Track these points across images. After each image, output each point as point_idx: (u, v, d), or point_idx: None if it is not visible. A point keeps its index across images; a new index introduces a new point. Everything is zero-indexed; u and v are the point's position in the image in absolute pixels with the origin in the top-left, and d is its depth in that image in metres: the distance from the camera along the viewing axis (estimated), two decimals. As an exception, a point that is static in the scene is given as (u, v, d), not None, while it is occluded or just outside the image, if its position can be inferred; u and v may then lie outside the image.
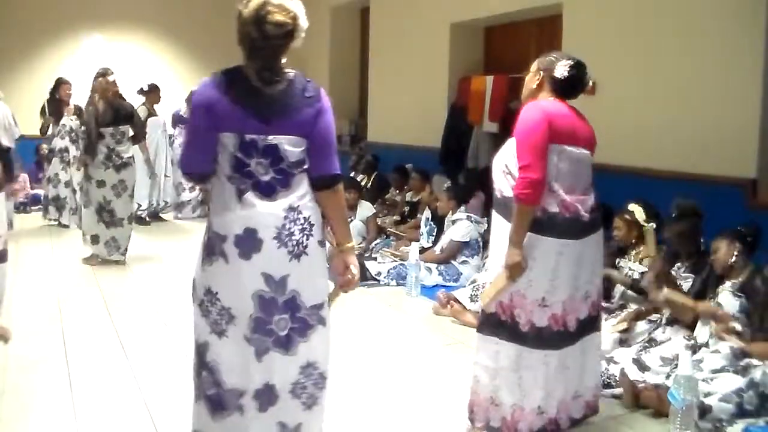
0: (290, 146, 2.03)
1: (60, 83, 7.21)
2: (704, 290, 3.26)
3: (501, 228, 2.53)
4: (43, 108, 7.27)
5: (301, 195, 2.07)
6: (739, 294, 3.07)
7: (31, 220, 7.54)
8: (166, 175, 7.78)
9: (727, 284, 3.15)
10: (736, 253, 3.11)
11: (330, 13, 9.47)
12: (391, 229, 6.28)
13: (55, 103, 7.18)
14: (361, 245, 5.77)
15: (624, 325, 3.46)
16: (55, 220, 7.23)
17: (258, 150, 2.00)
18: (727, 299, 3.08)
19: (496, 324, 2.55)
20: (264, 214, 2.01)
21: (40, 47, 9.11)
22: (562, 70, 2.51)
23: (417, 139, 7.36)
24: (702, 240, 3.51)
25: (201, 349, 2.12)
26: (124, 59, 8.79)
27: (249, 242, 2.00)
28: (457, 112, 6.73)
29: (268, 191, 2.02)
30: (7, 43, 8.84)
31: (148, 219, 7.44)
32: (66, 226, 7.14)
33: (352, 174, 7.59)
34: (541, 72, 2.57)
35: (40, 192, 8.34)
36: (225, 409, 2.10)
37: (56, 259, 5.80)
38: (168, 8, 9.62)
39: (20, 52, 8.97)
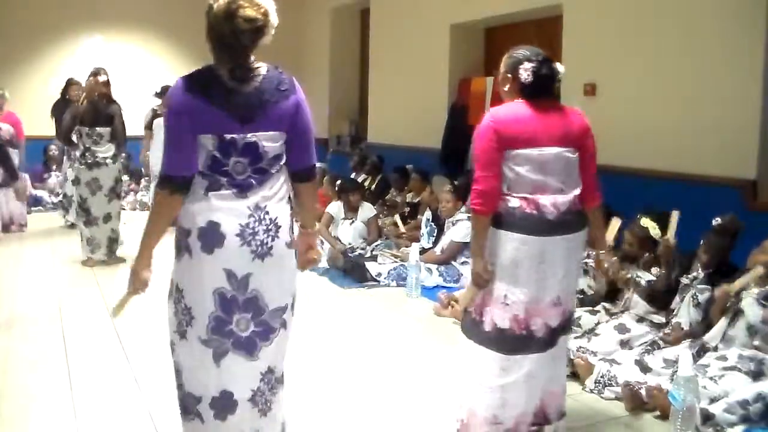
0: (269, 142, 2.01)
1: (70, 84, 7.23)
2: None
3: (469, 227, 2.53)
4: (53, 109, 7.27)
5: (271, 195, 2.03)
6: (764, 302, 3.00)
7: (32, 220, 7.53)
8: None
9: (754, 291, 3.05)
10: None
11: (330, 14, 9.48)
12: (391, 223, 6.30)
13: (65, 103, 7.19)
14: (361, 246, 5.78)
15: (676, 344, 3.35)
16: (68, 219, 7.24)
17: (237, 149, 1.98)
18: (751, 307, 3.02)
19: (469, 323, 2.52)
20: (228, 209, 1.98)
21: (41, 48, 9.13)
22: (525, 75, 2.44)
23: (417, 139, 7.37)
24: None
25: (171, 349, 2.12)
26: (125, 60, 8.81)
27: (211, 236, 1.97)
28: (457, 113, 6.74)
29: (240, 189, 1.99)
30: (8, 44, 8.85)
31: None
32: (74, 225, 7.15)
33: (353, 175, 7.58)
34: (508, 75, 2.51)
35: (42, 192, 8.36)
36: (186, 413, 2.10)
37: (57, 259, 5.80)
38: (168, 9, 9.62)
39: (21, 53, 8.99)
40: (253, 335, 2.03)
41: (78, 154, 5.54)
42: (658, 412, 2.86)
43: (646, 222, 3.62)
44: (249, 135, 1.98)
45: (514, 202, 2.40)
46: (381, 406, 2.98)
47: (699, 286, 3.37)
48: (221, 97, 1.96)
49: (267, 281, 2.03)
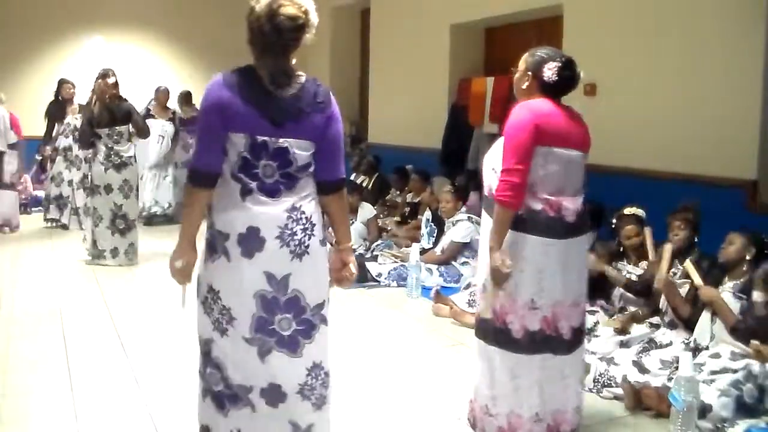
0: (299, 150, 2.04)
1: (62, 83, 7.25)
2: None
3: (489, 227, 2.50)
4: (47, 110, 7.28)
5: (303, 196, 2.08)
6: (741, 295, 3.06)
7: (33, 220, 7.54)
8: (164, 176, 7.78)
9: (729, 284, 3.15)
10: (748, 257, 3.11)
11: (331, 14, 9.48)
12: (391, 225, 6.30)
13: (59, 104, 7.20)
14: (362, 246, 5.78)
15: (617, 324, 3.47)
16: (55, 220, 7.22)
17: (268, 152, 2.01)
18: (728, 299, 3.07)
19: (492, 331, 2.52)
20: (267, 213, 2.01)
21: (42, 49, 9.13)
22: (549, 73, 2.44)
23: (417, 140, 7.37)
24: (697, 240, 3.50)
25: (205, 347, 2.13)
26: (125, 60, 8.79)
27: (251, 241, 2.01)
28: (457, 113, 6.73)
29: (270, 193, 2.03)
30: (9, 45, 8.85)
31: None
32: (66, 227, 7.13)
33: (353, 175, 7.59)
34: (529, 73, 2.51)
35: (42, 193, 8.35)
36: (236, 402, 2.10)
37: (57, 259, 5.80)
38: (169, 10, 9.62)
39: (21, 54, 8.99)
40: (296, 333, 2.07)
41: (102, 157, 5.50)
42: (656, 413, 2.87)
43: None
44: (281, 139, 2.00)
45: (537, 204, 2.40)
46: (381, 406, 2.98)
47: (679, 281, 3.41)
48: (258, 98, 1.99)
49: (306, 280, 2.07)
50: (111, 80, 5.53)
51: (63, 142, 7.15)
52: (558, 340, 2.47)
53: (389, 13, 8.16)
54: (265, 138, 2.00)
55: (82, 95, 6.89)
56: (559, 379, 2.50)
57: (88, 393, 3.05)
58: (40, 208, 8.14)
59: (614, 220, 3.88)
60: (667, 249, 3.39)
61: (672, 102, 4.56)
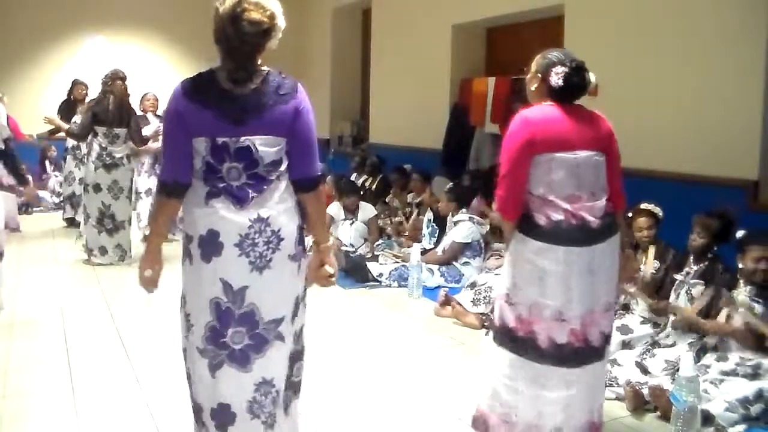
0: (264, 146, 1.96)
1: (75, 84, 7.28)
2: (712, 301, 3.22)
3: (522, 243, 2.44)
4: (59, 109, 7.29)
5: (273, 205, 1.99)
6: (757, 299, 3.01)
7: (34, 220, 7.54)
8: None
9: (745, 289, 3.07)
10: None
11: (332, 14, 9.48)
12: (396, 223, 6.31)
13: (70, 104, 7.22)
14: (363, 246, 5.77)
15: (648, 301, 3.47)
16: (70, 218, 7.24)
17: (230, 153, 1.95)
18: (745, 302, 3.02)
19: (515, 340, 2.46)
20: (228, 218, 1.95)
21: (43, 49, 9.12)
22: (556, 78, 2.40)
23: (418, 140, 7.37)
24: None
25: (184, 357, 2.13)
26: (126, 61, 8.77)
27: (210, 244, 1.96)
28: (458, 114, 6.73)
29: (239, 198, 1.96)
30: (10, 45, 8.86)
31: None
32: (73, 220, 7.17)
33: (354, 176, 7.58)
34: (539, 75, 2.48)
35: (44, 193, 8.35)
36: (195, 421, 2.10)
37: (58, 259, 5.81)
38: (170, 10, 9.62)
39: (23, 54, 8.99)
40: (246, 348, 2.01)
41: (94, 155, 5.54)
42: (659, 413, 2.86)
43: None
44: (242, 138, 1.94)
45: (557, 214, 2.36)
46: (382, 406, 2.98)
47: (691, 281, 3.38)
48: (216, 99, 1.95)
49: (264, 294, 2.00)
50: (127, 82, 5.62)
51: (72, 141, 7.16)
52: (588, 351, 2.41)
53: (390, 14, 8.16)
54: (225, 139, 1.94)
55: (93, 96, 6.91)
56: (585, 389, 2.44)
57: (89, 393, 3.05)
58: (42, 208, 8.16)
59: (629, 214, 3.85)
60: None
61: (673, 102, 4.55)
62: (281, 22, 1.97)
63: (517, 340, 2.45)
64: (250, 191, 1.97)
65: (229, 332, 1.99)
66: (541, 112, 2.42)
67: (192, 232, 2.00)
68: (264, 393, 2.05)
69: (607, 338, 2.48)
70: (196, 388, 2.07)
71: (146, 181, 6.48)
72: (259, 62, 2.01)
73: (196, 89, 1.96)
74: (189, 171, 1.98)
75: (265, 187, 1.99)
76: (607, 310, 2.45)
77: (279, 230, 2.00)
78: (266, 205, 1.98)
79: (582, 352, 2.41)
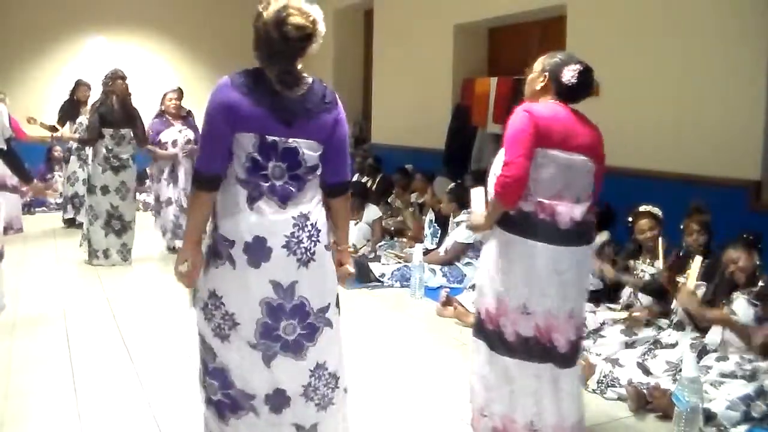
0: (309, 150, 2.04)
1: (78, 84, 7.27)
2: (714, 298, 3.21)
3: (494, 234, 2.47)
4: (61, 109, 7.29)
5: (311, 202, 2.08)
6: (755, 302, 3.01)
7: (35, 220, 7.55)
8: None
9: (742, 292, 3.08)
10: (758, 262, 3.08)
11: (334, 14, 9.48)
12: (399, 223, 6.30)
13: (73, 104, 7.23)
14: (365, 247, 5.78)
15: (638, 313, 3.47)
16: (71, 219, 7.24)
17: (277, 152, 2.00)
18: (743, 307, 3.03)
19: (487, 333, 2.49)
20: (274, 221, 2.01)
21: (43, 49, 9.13)
22: (569, 75, 2.42)
23: (420, 140, 7.37)
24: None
25: (206, 354, 2.12)
26: (127, 61, 8.79)
27: (258, 250, 2.00)
28: (460, 114, 6.73)
29: (283, 196, 2.02)
30: (10, 45, 8.86)
31: None
32: (81, 225, 7.16)
33: (356, 176, 7.60)
34: (546, 74, 2.48)
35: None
36: (237, 410, 2.10)
37: (60, 259, 5.82)
38: (170, 10, 9.63)
39: (23, 54, 8.99)
40: (299, 337, 2.08)
41: (101, 158, 5.54)
42: (660, 413, 2.86)
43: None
44: (290, 139, 2.01)
45: (528, 206, 2.36)
46: (384, 407, 2.98)
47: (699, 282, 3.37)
48: (267, 98, 1.99)
49: (311, 286, 2.08)
50: (127, 81, 5.62)
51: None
52: (554, 352, 2.41)
53: (392, 14, 8.16)
54: (275, 138, 1.99)
55: (95, 97, 6.91)
56: (554, 392, 2.44)
57: (91, 394, 3.05)
58: (44, 208, 8.17)
59: (630, 218, 3.85)
60: (696, 264, 3.24)
61: (675, 102, 4.54)
62: (322, 27, 2.02)
63: (488, 333, 2.48)
64: (291, 190, 2.03)
65: (282, 325, 2.06)
66: (544, 106, 2.44)
67: (233, 237, 2.01)
68: (318, 377, 2.13)
69: (574, 345, 2.46)
70: (242, 378, 2.07)
71: (166, 190, 6.10)
72: (299, 66, 2.05)
73: (248, 85, 1.99)
74: (225, 164, 2.02)
75: (303, 186, 2.06)
76: (572, 317, 2.42)
77: (316, 222, 2.08)
78: (304, 202, 2.06)
79: (549, 351, 2.41)
